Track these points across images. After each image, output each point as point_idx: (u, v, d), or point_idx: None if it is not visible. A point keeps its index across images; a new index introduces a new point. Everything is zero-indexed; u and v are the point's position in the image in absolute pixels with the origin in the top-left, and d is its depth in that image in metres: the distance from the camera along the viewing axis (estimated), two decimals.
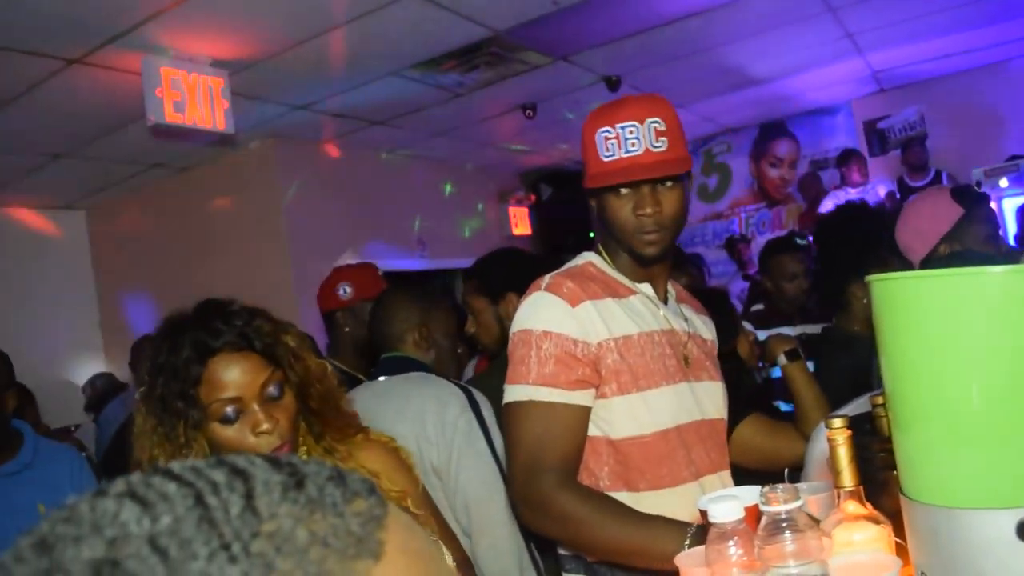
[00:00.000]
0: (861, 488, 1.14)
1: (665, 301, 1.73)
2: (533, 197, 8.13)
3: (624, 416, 1.58)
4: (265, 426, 1.39)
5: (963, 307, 0.94)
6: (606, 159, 1.58)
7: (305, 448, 1.53)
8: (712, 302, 2.15)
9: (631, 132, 1.55)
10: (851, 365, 2.47)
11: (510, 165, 7.99)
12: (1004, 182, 5.73)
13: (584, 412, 1.57)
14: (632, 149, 1.55)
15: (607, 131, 1.57)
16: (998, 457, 0.92)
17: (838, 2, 4.84)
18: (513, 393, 1.57)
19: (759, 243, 6.72)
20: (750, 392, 2.62)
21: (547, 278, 1.64)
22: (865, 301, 2.58)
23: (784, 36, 5.33)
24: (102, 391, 5.33)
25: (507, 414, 1.58)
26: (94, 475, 2.39)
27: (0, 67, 3.85)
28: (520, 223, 8.01)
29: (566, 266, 1.72)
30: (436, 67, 4.86)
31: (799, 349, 2.24)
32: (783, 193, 7.72)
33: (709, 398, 1.70)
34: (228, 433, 1.40)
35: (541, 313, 1.59)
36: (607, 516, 1.48)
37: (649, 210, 1.57)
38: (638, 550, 1.44)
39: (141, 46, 3.84)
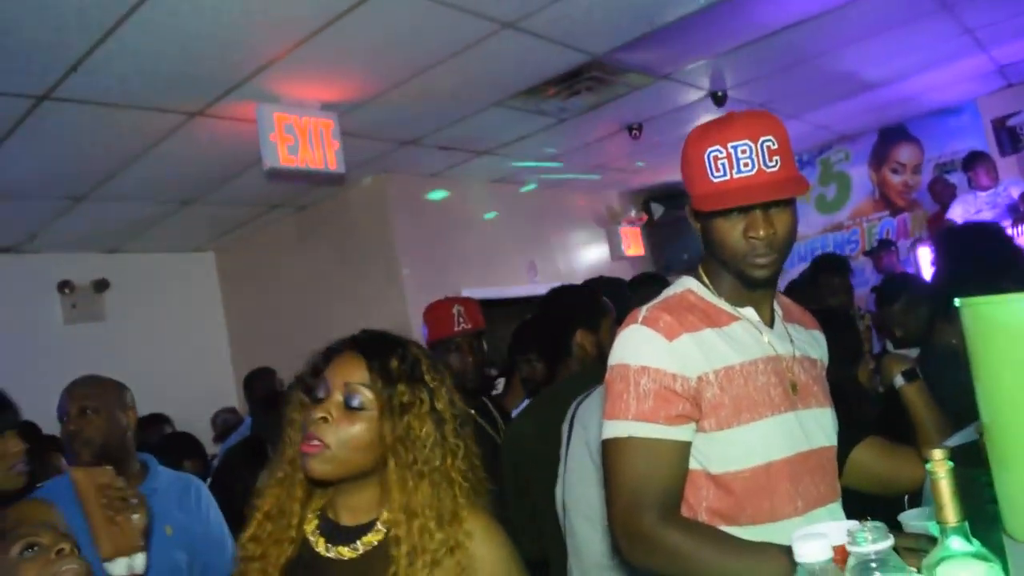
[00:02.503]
0: (967, 524, 1.07)
1: (771, 324, 1.66)
2: (645, 217, 8.06)
3: (725, 450, 1.53)
4: (318, 414, 1.44)
5: None
6: (716, 180, 1.50)
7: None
8: (832, 323, 2.06)
9: (743, 152, 1.48)
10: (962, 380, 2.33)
11: (620, 186, 7.95)
12: None
13: (685, 447, 1.53)
14: (745, 170, 1.48)
15: (717, 151, 1.50)
16: None
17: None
18: (613, 429, 1.54)
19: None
20: (868, 420, 2.49)
21: (644, 310, 1.60)
22: None
23: (898, 37, 5.12)
24: (226, 425, 5.59)
25: (607, 450, 1.55)
26: (215, 500, 2.51)
27: (131, 124, 4.13)
28: (632, 244, 7.94)
29: (663, 295, 1.67)
30: (538, 95, 4.90)
31: (916, 369, 2.13)
32: (907, 200, 7.38)
33: (818, 426, 1.62)
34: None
35: (638, 347, 1.55)
36: (714, 548, 1.44)
37: (762, 232, 1.50)
38: None
39: (254, 95, 4.04)
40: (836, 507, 1.63)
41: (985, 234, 3.18)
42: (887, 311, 3.46)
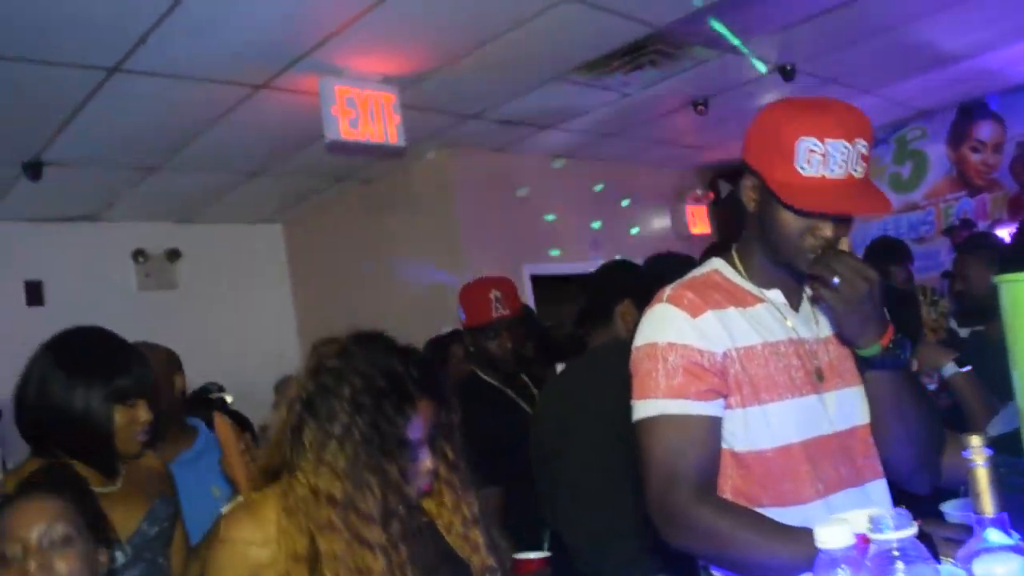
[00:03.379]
0: (1006, 515, 1.03)
1: (798, 307, 1.63)
2: (712, 195, 7.92)
3: (746, 429, 1.52)
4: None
5: None
6: (805, 174, 1.42)
7: None
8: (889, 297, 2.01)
9: (840, 152, 1.40)
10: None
11: (686, 162, 7.81)
12: None
13: (717, 423, 1.52)
14: (837, 171, 1.41)
15: (813, 143, 1.40)
16: None
17: None
18: (644, 409, 1.54)
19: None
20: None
21: (668, 289, 1.60)
22: None
23: (979, 6, 4.88)
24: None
25: (639, 430, 1.55)
26: None
27: (198, 96, 4.22)
28: (699, 222, 7.82)
29: (690, 275, 1.66)
30: (601, 68, 4.84)
31: (962, 358, 2.07)
32: (987, 179, 7.09)
33: (844, 407, 1.58)
34: None
35: (664, 325, 1.55)
36: (750, 530, 1.43)
37: (829, 234, 1.47)
38: (780, 564, 1.37)
39: (316, 68, 4.08)
40: (871, 488, 1.59)
41: None
42: (961, 259, 3.27)
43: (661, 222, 7.66)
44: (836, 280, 1.40)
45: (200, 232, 6.59)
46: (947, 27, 5.15)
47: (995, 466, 1.03)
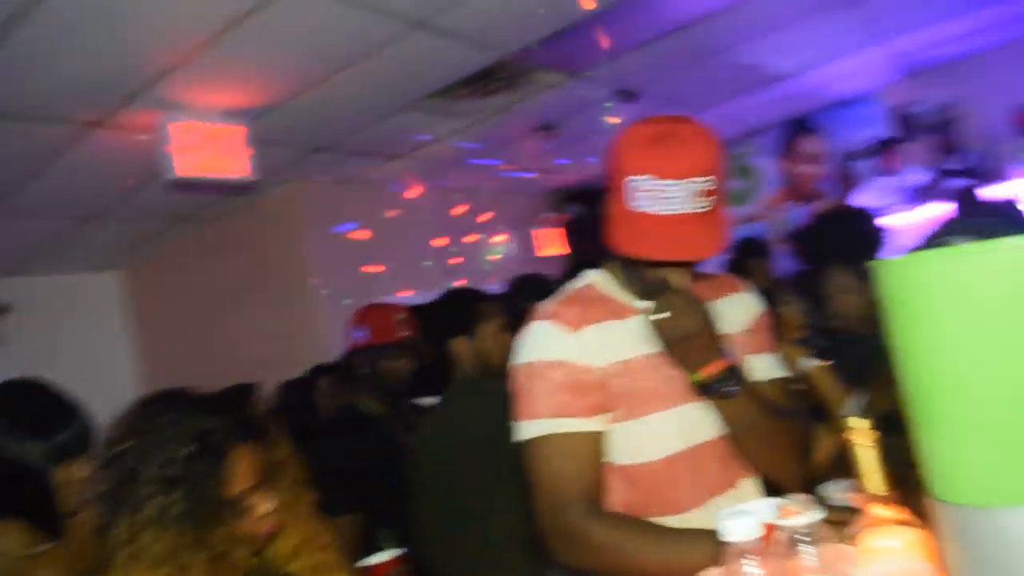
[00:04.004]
0: (891, 491, 1.07)
1: None
2: (563, 217, 8.08)
3: (628, 443, 1.53)
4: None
5: (980, 285, 0.86)
6: (641, 208, 1.39)
7: None
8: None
9: (675, 191, 1.36)
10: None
11: (536, 186, 7.95)
12: None
13: (600, 437, 1.52)
14: (673, 208, 1.37)
15: (646, 181, 1.37)
16: None
17: None
18: (528, 429, 1.52)
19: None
20: None
21: (545, 306, 1.59)
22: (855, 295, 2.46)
23: (801, 29, 5.23)
24: None
25: (525, 451, 1.53)
26: None
27: (24, 137, 3.94)
28: (552, 244, 7.96)
29: (565, 290, 1.65)
30: (451, 96, 4.86)
31: (817, 350, 2.19)
32: (814, 189, 7.57)
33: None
34: None
35: (543, 342, 1.54)
36: (641, 539, 1.44)
37: (674, 276, 1.50)
38: (676, 569, 1.38)
39: (156, 103, 3.90)
40: (744, 485, 1.63)
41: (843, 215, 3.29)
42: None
43: (516, 246, 7.74)
44: (666, 314, 1.45)
45: (31, 284, 6.16)
46: (773, 49, 5.49)
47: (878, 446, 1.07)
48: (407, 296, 6.08)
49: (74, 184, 4.68)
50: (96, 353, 6.43)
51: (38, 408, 1.91)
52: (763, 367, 1.66)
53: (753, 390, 1.54)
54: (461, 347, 2.54)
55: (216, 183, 4.22)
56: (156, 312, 6.64)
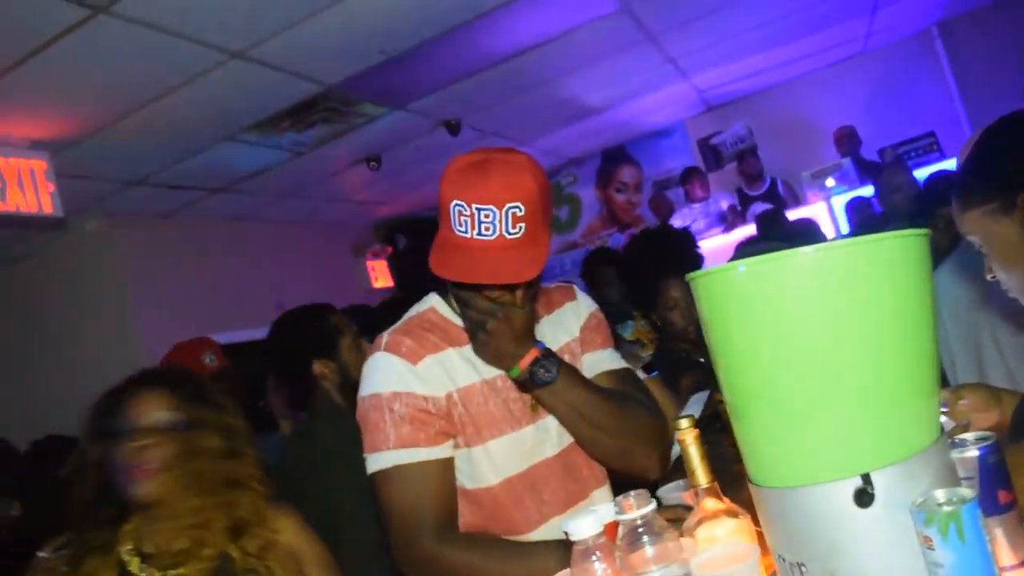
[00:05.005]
0: (716, 484, 1.17)
1: None
2: (390, 248, 8.08)
3: (472, 467, 1.57)
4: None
5: (776, 290, 0.97)
6: (458, 233, 1.43)
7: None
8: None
9: (486, 216, 1.41)
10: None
11: (363, 218, 7.93)
12: (831, 181, 6.12)
13: (449, 463, 1.55)
14: (486, 234, 1.41)
15: (461, 206, 1.41)
16: (827, 433, 0.95)
17: (656, 29, 5.07)
18: (376, 462, 1.52)
19: None
20: None
21: (386, 336, 1.60)
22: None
23: (611, 66, 5.53)
24: None
25: (376, 483, 1.53)
26: None
27: None
28: (380, 276, 7.94)
29: (407, 315, 1.66)
30: (271, 128, 4.78)
31: (650, 364, 2.30)
32: (632, 216, 7.97)
33: (563, 427, 1.64)
34: None
35: (385, 374, 1.55)
36: (495, 557, 1.48)
37: (496, 294, 1.50)
38: None
39: None
40: (596, 496, 1.68)
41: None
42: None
43: (346, 278, 7.66)
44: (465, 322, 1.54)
45: None
46: (587, 84, 5.76)
47: (702, 443, 1.17)
48: (234, 333, 5.89)
49: None
50: None
51: None
52: (598, 360, 1.70)
53: (581, 377, 1.58)
54: (324, 368, 2.48)
55: (18, 218, 3.94)
56: None
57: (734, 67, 6.50)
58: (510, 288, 1.49)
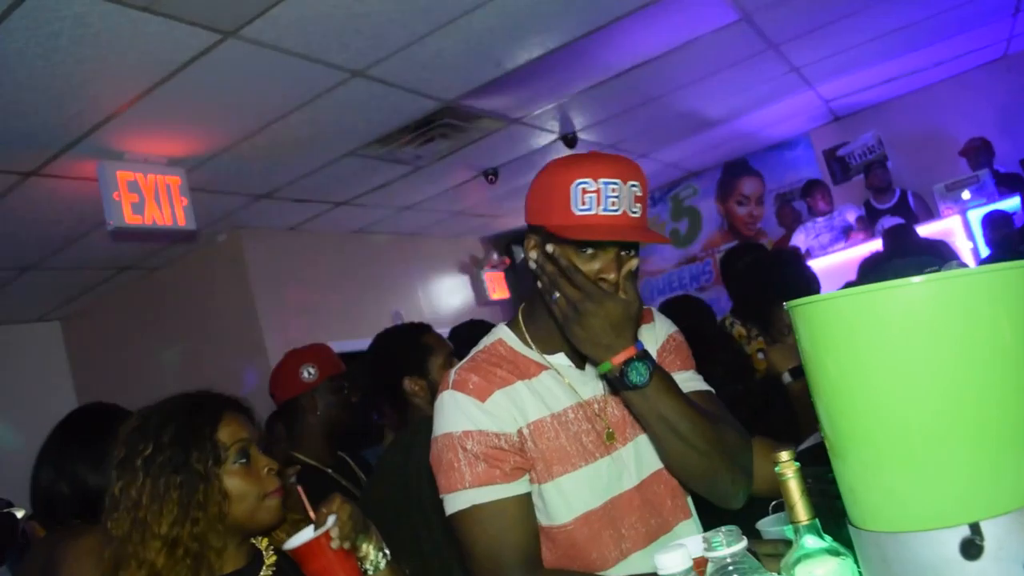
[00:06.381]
0: (817, 520, 1.11)
1: (584, 366, 1.61)
2: (508, 260, 8.15)
3: (544, 504, 1.53)
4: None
5: (883, 322, 0.92)
6: (580, 212, 1.41)
7: None
8: (706, 344, 2.09)
9: (613, 191, 1.40)
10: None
11: (480, 231, 8.03)
12: (966, 194, 5.80)
13: (529, 498, 1.51)
14: (612, 208, 1.41)
15: (586, 183, 1.40)
16: (934, 476, 0.89)
17: (779, 39, 4.94)
18: (455, 502, 1.49)
19: None
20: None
21: (452, 374, 1.57)
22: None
23: (732, 76, 5.42)
24: None
25: (455, 524, 1.51)
26: None
27: None
28: (497, 288, 8.01)
29: (475, 349, 1.64)
30: (392, 143, 4.90)
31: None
32: (753, 229, 7.77)
33: (645, 455, 1.59)
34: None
35: (455, 414, 1.52)
36: None
37: (613, 276, 1.44)
38: None
39: (95, 152, 3.87)
40: (680, 530, 1.61)
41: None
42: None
43: (462, 290, 7.77)
44: (555, 295, 1.43)
45: None
46: (707, 95, 5.67)
47: (803, 477, 1.12)
48: (354, 342, 6.06)
49: (9, 233, 4.59)
50: (38, 404, 6.24)
51: None
52: (679, 382, 1.57)
53: (676, 388, 1.48)
54: (413, 385, 2.52)
55: (155, 231, 4.18)
56: (99, 361, 6.49)
57: (861, 75, 6.27)
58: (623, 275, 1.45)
